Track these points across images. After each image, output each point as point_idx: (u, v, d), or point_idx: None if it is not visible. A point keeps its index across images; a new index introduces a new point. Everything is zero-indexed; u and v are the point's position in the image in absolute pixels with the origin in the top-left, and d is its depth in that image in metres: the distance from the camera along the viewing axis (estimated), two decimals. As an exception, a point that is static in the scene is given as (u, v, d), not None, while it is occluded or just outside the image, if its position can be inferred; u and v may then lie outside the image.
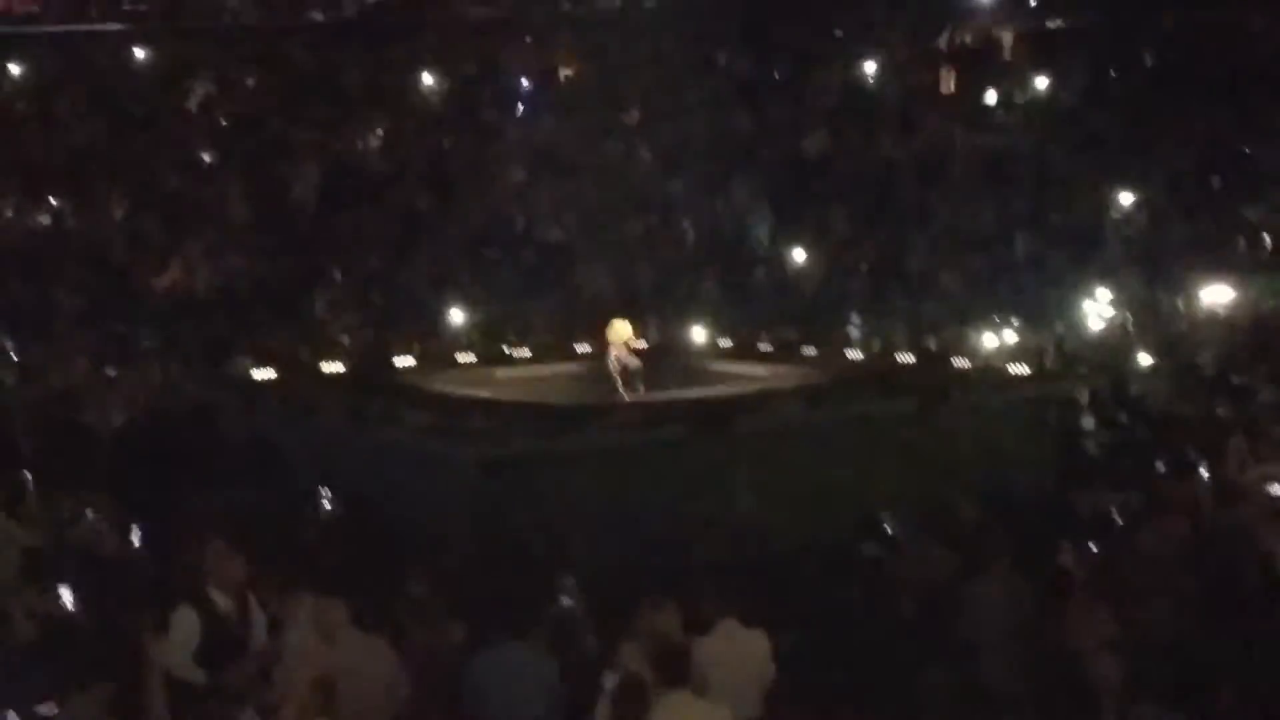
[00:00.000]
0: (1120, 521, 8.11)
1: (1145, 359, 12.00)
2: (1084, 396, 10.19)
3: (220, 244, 17.99)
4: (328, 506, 8.71)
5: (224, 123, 21.10)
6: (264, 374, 11.76)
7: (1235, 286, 13.31)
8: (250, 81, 22.03)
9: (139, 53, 22.21)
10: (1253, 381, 10.86)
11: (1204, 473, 8.65)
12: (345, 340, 14.66)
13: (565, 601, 6.70)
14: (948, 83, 20.24)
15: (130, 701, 5.45)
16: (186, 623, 5.89)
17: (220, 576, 6.08)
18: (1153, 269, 14.73)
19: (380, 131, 20.85)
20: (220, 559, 6.09)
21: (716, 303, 16.11)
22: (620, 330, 11.23)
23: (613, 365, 11.02)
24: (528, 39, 22.78)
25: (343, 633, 6.22)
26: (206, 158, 20.22)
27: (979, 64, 20.16)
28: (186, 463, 10.26)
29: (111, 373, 13.15)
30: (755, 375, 10.95)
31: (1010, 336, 12.89)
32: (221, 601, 6.04)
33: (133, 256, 17.83)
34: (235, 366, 13.54)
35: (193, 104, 21.65)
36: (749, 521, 8.34)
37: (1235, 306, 12.96)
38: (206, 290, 17.15)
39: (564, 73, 22.33)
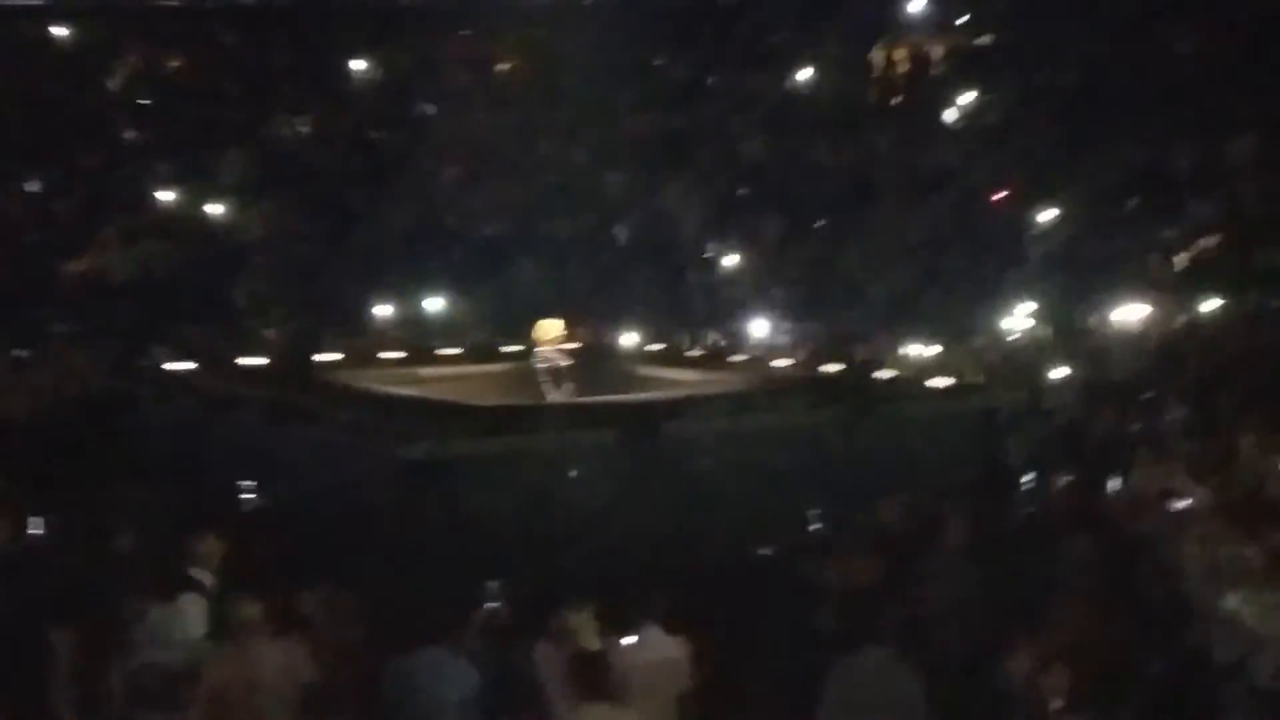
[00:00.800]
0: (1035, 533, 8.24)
1: (1061, 372, 12.23)
2: (1004, 408, 10.38)
3: (140, 229, 17.66)
4: (248, 502, 8.58)
5: (147, 104, 20.70)
6: (181, 366, 11.51)
7: (1149, 304, 13.60)
8: (176, 63, 21.63)
9: (59, 30, 21.70)
10: (1162, 397, 11.12)
11: (1113, 486, 8.85)
12: (269, 333, 14.41)
13: (491, 605, 6.69)
14: (879, 94, 20.46)
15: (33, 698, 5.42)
16: (195, 608, 6.35)
17: (208, 559, 6.67)
18: (1071, 284, 15.03)
19: (309, 119, 20.60)
20: (207, 544, 6.66)
21: (648, 305, 16.14)
22: (549, 329, 11.20)
23: (541, 365, 10.98)
24: (464, 31, 22.64)
25: (254, 633, 6.17)
26: (128, 139, 19.83)
27: (909, 77, 20.42)
28: (98, 455, 10.06)
29: (20, 357, 12.81)
30: (684, 380, 10.98)
31: (935, 347, 13.09)
32: (207, 581, 6.65)
33: (46, 238, 17.43)
34: (152, 356, 13.26)
35: (115, 84, 21.20)
36: (673, 527, 8.34)
37: (1148, 323, 13.25)
38: (124, 276, 16.82)
39: (500, 67, 22.22)
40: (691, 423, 8.93)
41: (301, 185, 19.26)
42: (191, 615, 6.41)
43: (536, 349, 11.16)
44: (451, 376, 11.82)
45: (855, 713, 6.29)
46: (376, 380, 11.21)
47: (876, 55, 20.68)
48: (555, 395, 10.92)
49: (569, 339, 11.53)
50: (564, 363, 11.14)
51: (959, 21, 20.96)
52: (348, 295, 16.55)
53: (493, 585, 6.72)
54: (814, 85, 20.26)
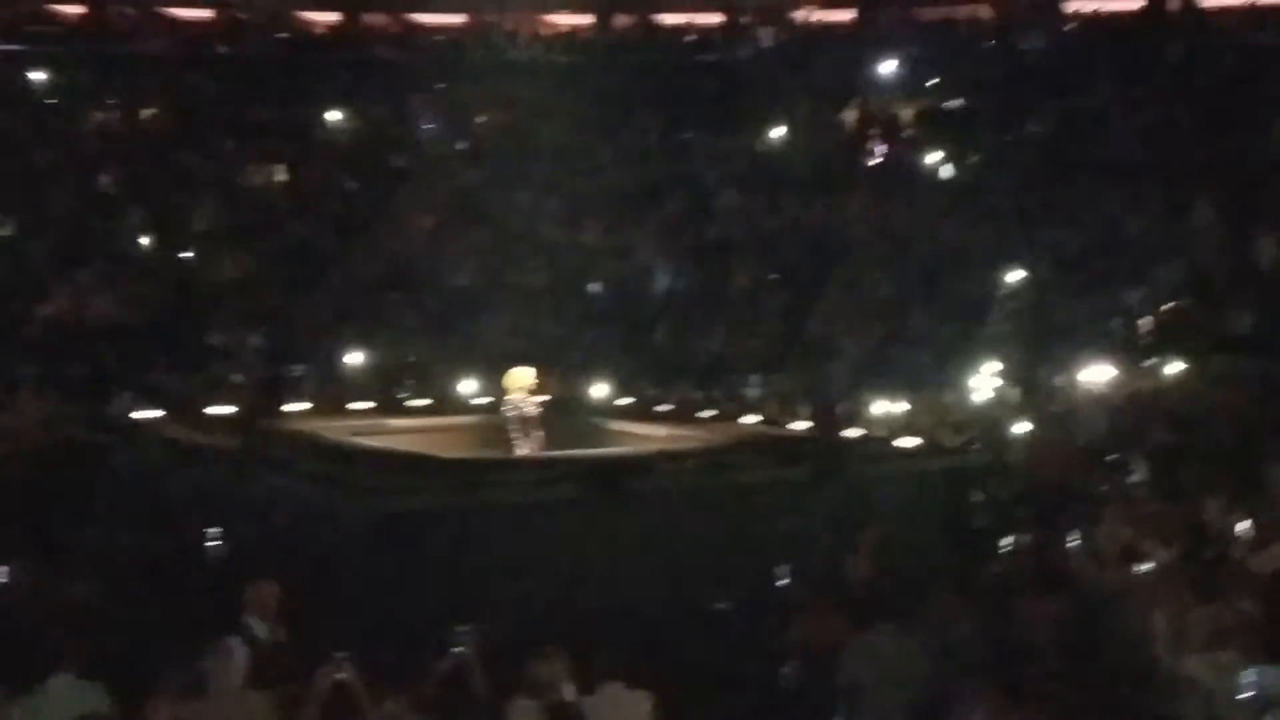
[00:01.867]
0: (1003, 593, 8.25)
1: (1028, 433, 12.31)
2: (973, 469, 10.44)
3: (112, 274, 17.61)
4: (214, 550, 8.49)
5: (123, 151, 20.72)
6: (149, 413, 11.43)
7: (1113, 366, 13.74)
8: (152, 111, 21.67)
9: (37, 75, 21.74)
10: (1127, 458, 11.21)
11: (1077, 546, 8.90)
12: (238, 379, 14.35)
13: (458, 649, 6.66)
14: (850, 154, 20.73)
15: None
16: (239, 652, 6.34)
17: (260, 607, 6.60)
18: (1037, 345, 15.19)
19: (284, 168, 20.66)
20: (261, 592, 6.60)
21: (617, 358, 16.19)
22: (520, 377, 11.18)
23: (510, 414, 10.96)
24: (439, 84, 22.82)
25: (225, 683, 6.11)
26: (103, 185, 19.82)
27: (880, 138, 20.70)
28: (64, 502, 9.97)
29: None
30: (653, 436, 10.99)
31: (903, 405, 13.17)
32: (259, 630, 6.56)
33: (17, 281, 17.35)
34: (120, 403, 13.17)
35: (90, 130, 21.23)
36: (640, 582, 8.34)
37: (1113, 386, 13.37)
38: (94, 321, 16.74)
39: (474, 120, 22.38)
40: (659, 479, 8.94)
41: (274, 233, 19.29)
42: (236, 663, 6.37)
43: (507, 396, 11.13)
44: (421, 428, 11.79)
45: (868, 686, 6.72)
46: (345, 431, 11.17)
47: (848, 116, 20.98)
48: (523, 443, 10.88)
49: (539, 389, 11.53)
50: (533, 411, 11.12)
51: (929, 84, 21.37)
52: (318, 343, 16.53)
53: (460, 630, 6.69)
54: (786, 144, 20.55)
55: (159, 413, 11.48)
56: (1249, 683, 6.33)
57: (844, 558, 8.67)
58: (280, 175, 20.69)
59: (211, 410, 11.80)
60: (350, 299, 17.95)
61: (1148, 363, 13.69)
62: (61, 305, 16.95)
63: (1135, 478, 10.58)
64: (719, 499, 8.95)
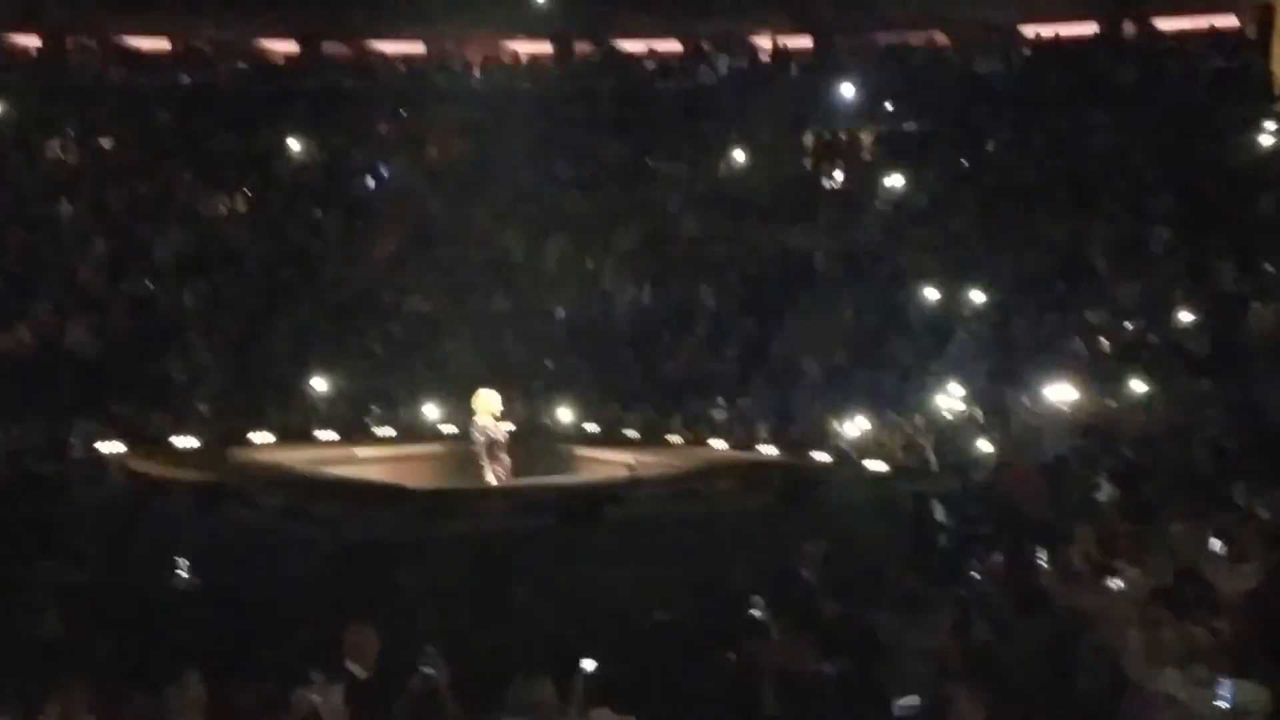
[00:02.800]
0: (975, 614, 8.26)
1: (992, 452, 12.38)
2: (941, 492, 10.47)
3: (72, 305, 17.42)
4: (182, 582, 8.38)
5: (82, 181, 20.54)
6: (112, 446, 11.28)
7: (1077, 386, 13.86)
8: (111, 141, 21.52)
9: (-2, 106, 21.57)
10: (1093, 478, 11.29)
11: (1047, 566, 8.95)
12: (203, 410, 14.19)
13: (426, 671, 6.63)
14: (812, 178, 20.89)
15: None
16: (337, 694, 6.46)
17: (358, 650, 6.66)
18: (1000, 366, 15.32)
19: (245, 198, 20.54)
20: (358, 634, 6.66)
21: (582, 383, 16.16)
22: (487, 400, 11.11)
23: (478, 438, 10.88)
24: (400, 112, 22.81)
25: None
26: (62, 216, 19.63)
27: (840, 161, 20.88)
28: (24, 535, 9.83)
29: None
30: (621, 462, 10.96)
31: (867, 427, 13.21)
32: (359, 672, 6.63)
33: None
34: (83, 435, 13.00)
35: (50, 160, 21.04)
36: (614, 609, 8.31)
37: (1077, 406, 13.48)
38: (55, 353, 16.54)
39: (435, 147, 22.37)
40: (630, 506, 8.92)
41: (235, 262, 19.16)
42: (335, 704, 6.38)
43: (474, 420, 11.06)
44: (388, 457, 11.71)
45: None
46: (312, 461, 11.06)
47: (808, 140, 21.16)
48: (491, 467, 10.79)
49: (505, 414, 11.47)
50: (500, 435, 11.05)
51: (887, 108, 21.60)
52: (282, 372, 16.41)
53: (428, 652, 6.65)
54: (747, 169, 20.69)
55: (120, 446, 11.31)
56: (1222, 696, 6.41)
57: (816, 582, 8.68)
58: (241, 204, 20.56)
59: (176, 442, 11.65)
60: (313, 327, 17.83)
61: (1110, 383, 13.82)
62: (22, 336, 16.75)
63: (1103, 497, 10.66)
64: (691, 525, 8.94)
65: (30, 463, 11.45)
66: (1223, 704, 6.44)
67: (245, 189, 20.71)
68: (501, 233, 20.01)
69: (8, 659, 7.29)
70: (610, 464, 11.13)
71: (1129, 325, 15.34)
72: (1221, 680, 6.53)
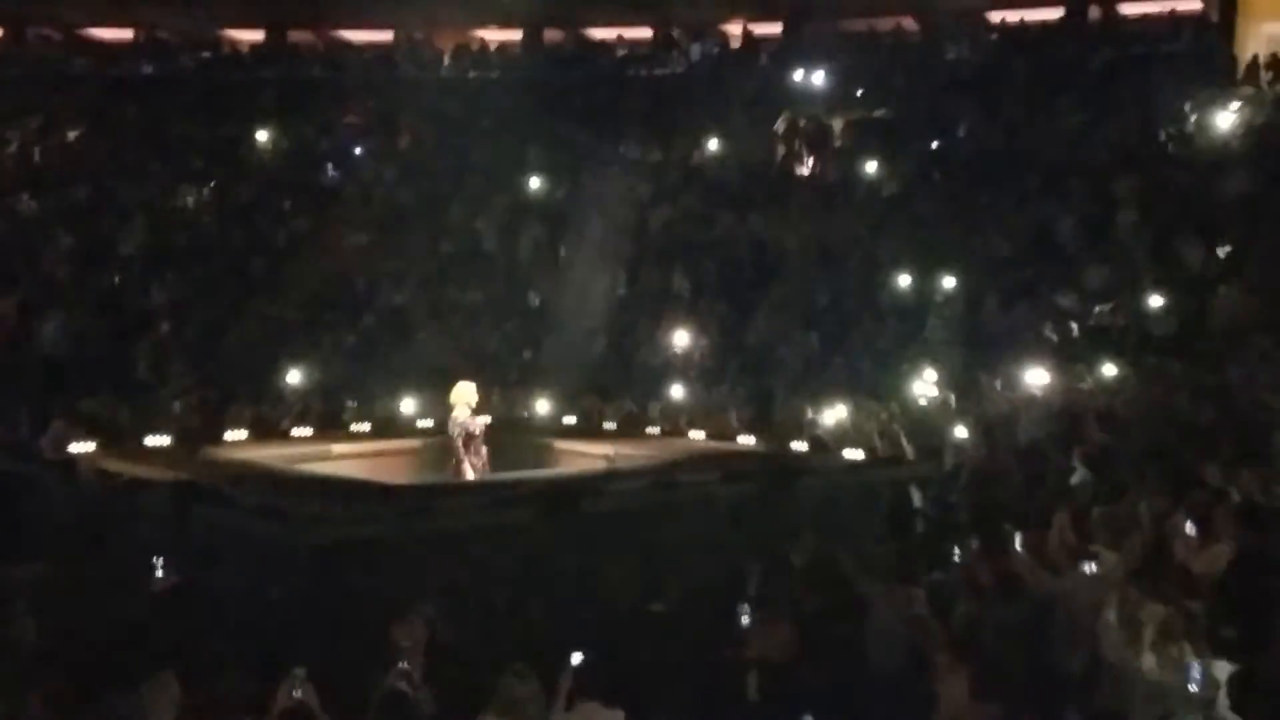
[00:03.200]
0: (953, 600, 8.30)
1: (966, 437, 12.44)
2: (918, 478, 10.52)
3: (38, 300, 17.22)
4: (158, 579, 8.29)
5: (46, 174, 20.31)
6: (84, 446, 11.14)
7: (1048, 370, 13.95)
8: (75, 133, 21.27)
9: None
10: (1066, 462, 11.36)
11: (1021, 551, 9.01)
12: (176, 407, 14.05)
13: (399, 666, 6.61)
14: (783, 165, 20.89)
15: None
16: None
17: (406, 645, 6.77)
18: (972, 351, 15.41)
19: (213, 189, 20.36)
20: (407, 629, 6.78)
21: (558, 373, 16.13)
22: (464, 392, 11.07)
23: (455, 430, 10.83)
24: (369, 102, 22.65)
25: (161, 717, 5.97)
26: (26, 209, 19.41)
27: (812, 148, 20.88)
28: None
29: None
30: (599, 454, 10.94)
31: (842, 413, 13.25)
32: (406, 667, 6.71)
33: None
34: (51, 433, 12.83)
35: (12, 153, 20.78)
36: (597, 600, 8.30)
37: (1049, 390, 13.57)
38: (22, 349, 16.37)
39: (405, 136, 22.23)
40: (610, 498, 8.91)
41: (205, 253, 19.00)
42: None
43: (452, 413, 11.01)
44: (363, 453, 11.63)
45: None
46: (286, 458, 10.98)
47: (779, 127, 21.16)
48: (469, 459, 10.74)
49: (482, 406, 11.42)
50: (477, 428, 11.02)
51: (857, 95, 21.62)
52: (254, 366, 16.28)
53: (401, 646, 6.65)
54: (719, 157, 20.67)
55: (90, 445, 11.18)
56: (1195, 677, 6.48)
57: (795, 570, 8.70)
58: (208, 196, 20.37)
59: (147, 440, 11.53)
60: (284, 320, 17.71)
61: (1081, 366, 13.91)
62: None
63: (1076, 479, 10.73)
64: (670, 516, 8.94)
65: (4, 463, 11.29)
66: (1193, 686, 6.51)
67: (212, 180, 20.51)
68: (474, 222, 19.93)
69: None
70: (588, 456, 11.11)
71: (1098, 309, 15.43)
72: (1191, 662, 6.60)
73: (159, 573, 8.40)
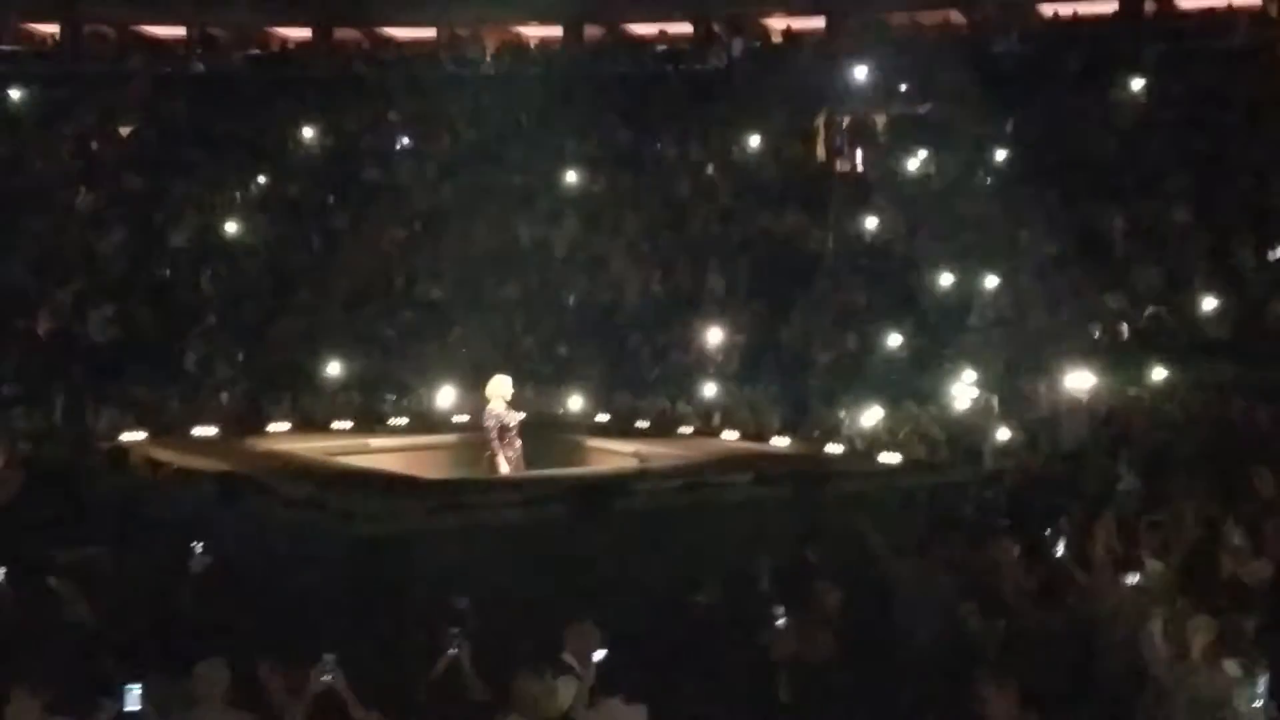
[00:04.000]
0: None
1: (1008, 440, 12.27)
2: (956, 483, 10.38)
3: (91, 292, 17.50)
4: (197, 559, 8.42)
5: (100, 168, 20.61)
6: (134, 435, 11.32)
7: (1095, 373, 13.75)
8: (128, 129, 21.56)
9: (14, 93, 21.63)
10: (1112, 467, 11.18)
11: (1069, 556, 8.88)
12: (222, 398, 14.22)
13: (451, 652, 6.65)
14: (824, 162, 20.74)
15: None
16: (566, 688, 6.46)
17: (578, 646, 6.68)
18: (1016, 353, 15.22)
19: (260, 184, 20.56)
20: (579, 631, 6.71)
21: (592, 370, 16.13)
22: (500, 385, 11.10)
23: (490, 423, 10.86)
24: (412, 98, 22.77)
25: (211, 701, 6.04)
26: (81, 203, 19.71)
27: (854, 145, 20.70)
28: (48, 521, 9.89)
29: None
30: (631, 453, 10.92)
31: (879, 415, 13.12)
32: (577, 667, 6.63)
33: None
34: (103, 421, 13.05)
35: (68, 147, 21.11)
36: (628, 598, 8.31)
37: (1095, 393, 13.36)
38: (75, 339, 16.62)
39: (447, 132, 22.33)
40: (642, 498, 8.88)
41: (251, 248, 19.21)
42: (562, 696, 6.41)
43: (488, 406, 11.04)
44: (401, 447, 11.70)
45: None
46: (326, 451, 11.07)
47: (820, 124, 21.00)
48: (503, 452, 10.74)
49: (517, 402, 11.45)
50: (512, 420, 11.05)
51: (901, 90, 21.40)
52: (296, 358, 16.44)
53: (452, 632, 6.68)
54: (759, 153, 20.56)
55: (142, 434, 11.36)
56: (1259, 693, 6.30)
57: (828, 572, 8.64)
58: (255, 191, 20.58)
59: (195, 431, 11.69)
60: (326, 313, 17.86)
61: (1129, 369, 13.72)
62: (43, 323, 16.84)
63: (1123, 486, 10.56)
64: (701, 517, 8.91)
65: (51, 450, 11.50)
66: (1258, 702, 6.32)
67: (259, 176, 20.73)
68: (512, 218, 19.98)
69: (36, 643, 7.33)
70: (620, 455, 11.10)
71: (1149, 310, 15.20)
72: (1259, 676, 6.42)
73: (198, 554, 8.52)
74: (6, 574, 8.08)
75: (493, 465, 10.93)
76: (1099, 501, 10.02)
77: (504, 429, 10.96)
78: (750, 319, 17.28)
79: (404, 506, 8.52)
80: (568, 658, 6.66)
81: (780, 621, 7.62)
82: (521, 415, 11.29)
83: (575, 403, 14.43)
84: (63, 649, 7.15)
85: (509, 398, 11.17)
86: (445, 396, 14.27)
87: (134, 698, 5.91)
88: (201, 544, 8.53)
